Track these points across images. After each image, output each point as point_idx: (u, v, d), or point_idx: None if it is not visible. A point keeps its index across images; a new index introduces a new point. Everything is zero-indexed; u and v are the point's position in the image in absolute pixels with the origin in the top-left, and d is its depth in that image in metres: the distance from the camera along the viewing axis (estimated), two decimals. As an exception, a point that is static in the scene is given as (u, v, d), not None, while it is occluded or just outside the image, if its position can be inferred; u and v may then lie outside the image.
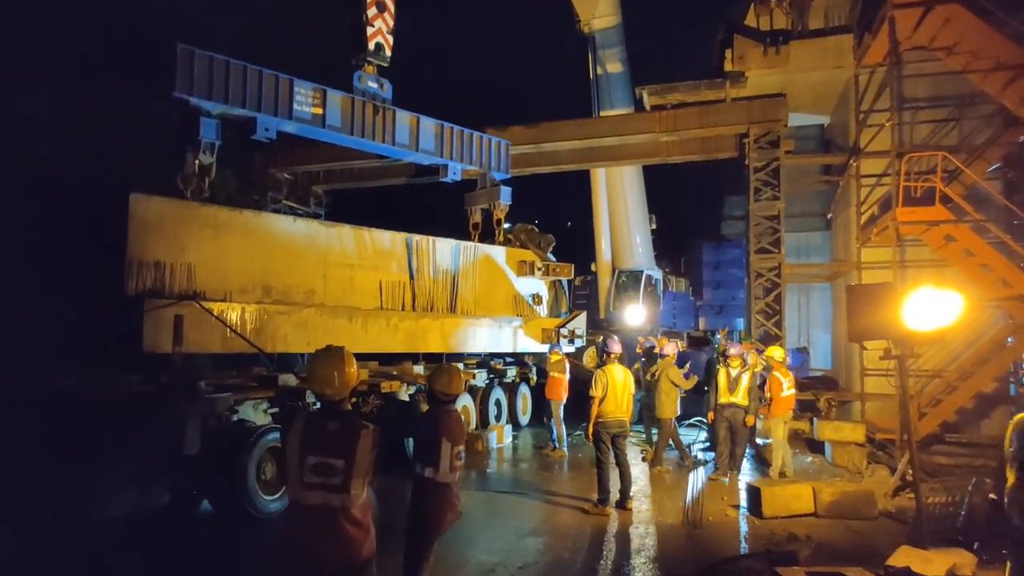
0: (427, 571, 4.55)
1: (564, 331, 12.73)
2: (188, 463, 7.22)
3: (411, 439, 7.91)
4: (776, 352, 10.37)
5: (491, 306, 12.55)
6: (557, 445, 11.65)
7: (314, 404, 8.65)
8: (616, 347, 8.49)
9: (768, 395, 10.01)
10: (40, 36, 13.68)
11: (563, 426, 11.74)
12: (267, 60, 11.03)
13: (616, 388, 8.09)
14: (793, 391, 10.15)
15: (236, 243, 9.25)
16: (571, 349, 13.51)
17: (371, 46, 11.20)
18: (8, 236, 11.84)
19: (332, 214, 18.04)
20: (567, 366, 11.88)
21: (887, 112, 12.03)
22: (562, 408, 11.77)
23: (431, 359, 13.12)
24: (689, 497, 8.29)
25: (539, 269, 13.04)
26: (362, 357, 11.29)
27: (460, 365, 13.08)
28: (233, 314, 8.82)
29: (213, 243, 8.95)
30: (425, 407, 6.56)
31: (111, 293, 8.19)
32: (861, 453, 10.48)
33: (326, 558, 3.35)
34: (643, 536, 7.35)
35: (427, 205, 21.11)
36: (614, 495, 8.14)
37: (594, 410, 8.06)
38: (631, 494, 8.27)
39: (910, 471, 8.43)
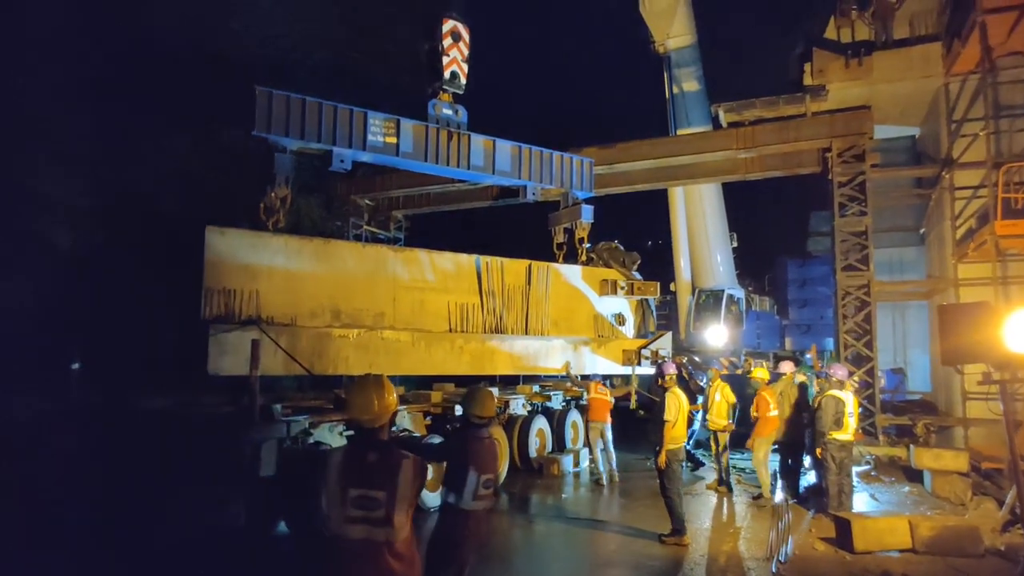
0: None
1: (646, 352, 12.48)
2: (265, 485, 7.42)
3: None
4: (760, 372, 10.34)
5: (570, 327, 12.46)
6: (606, 474, 11.24)
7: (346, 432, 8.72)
8: (672, 369, 8.36)
9: (755, 414, 9.94)
10: (128, 74, 14.78)
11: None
12: (346, 91, 11.50)
13: (683, 413, 8.02)
14: (777, 412, 9.84)
15: (305, 270, 9.79)
16: (651, 371, 13.29)
17: (447, 75, 11.49)
18: (108, 264, 12.90)
19: (413, 238, 18.53)
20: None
21: (981, 121, 11.42)
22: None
23: (507, 381, 13.26)
24: (773, 530, 7.97)
25: (622, 288, 12.83)
26: (434, 379, 11.54)
27: (535, 387, 13.13)
28: (296, 338, 9.23)
29: (283, 270, 9.54)
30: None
31: (191, 319, 8.81)
32: (964, 483, 9.81)
33: None
34: (724, 571, 7.12)
35: (514, 227, 21.38)
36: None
37: (667, 435, 7.88)
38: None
39: (1020, 505, 7.87)
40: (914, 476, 10.86)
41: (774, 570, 6.94)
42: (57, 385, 11.60)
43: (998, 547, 7.54)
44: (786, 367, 10.43)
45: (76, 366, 13.54)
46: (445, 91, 11.67)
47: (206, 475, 7.15)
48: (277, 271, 9.49)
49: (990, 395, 10.59)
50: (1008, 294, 11.22)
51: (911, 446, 11.12)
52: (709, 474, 11.55)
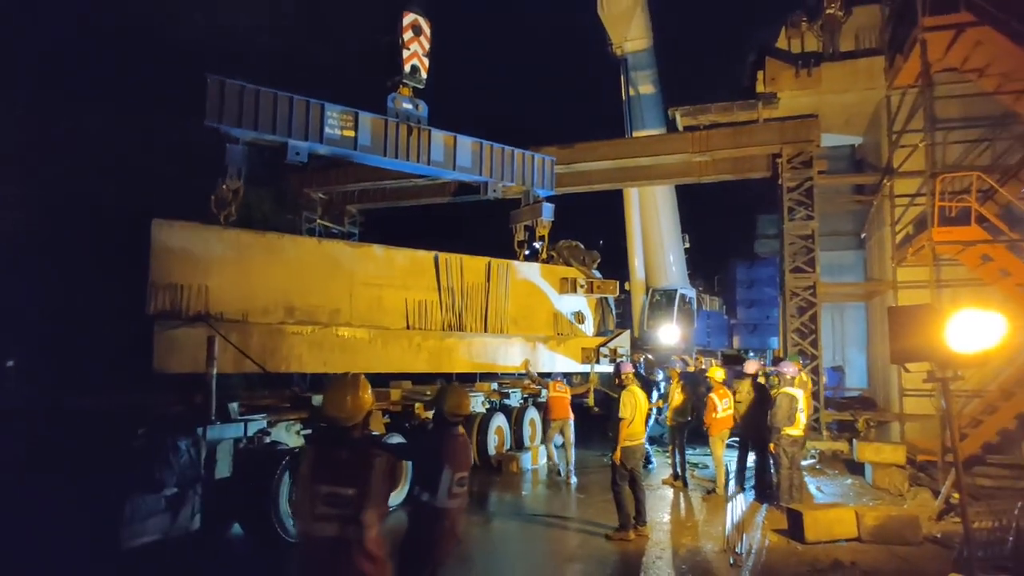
0: None
1: (605, 350, 12.66)
2: (219, 486, 7.24)
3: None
4: (717, 373, 10.60)
5: (530, 324, 12.55)
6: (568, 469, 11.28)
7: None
8: (629, 368, 8.57)
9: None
10: (76, 62, 14.20)
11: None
12: (305, 82, 11.26)
13: (640, 410, 8.18)
14: (730, 412, 10.27)
15: (258, 265, 9.56)
16: (609, 368, 13.46)
17: (407, 68, 11.39)
18: (48, 260, 12.37)
19: (367, 233, 18.32)
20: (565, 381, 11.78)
21: (919, 133, 12.03)
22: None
23: (464, 378, 13.27)
24: (729, 522, 8.27)
25: (582, 286, 12.95)
26: (392, 377, 11.45)
27: (493, 384, 13.18)
28: (247, 335, 9.02)
29: (235, 265, 9.29)
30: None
31: (137, 314, 8.53)
32: (902, 475, 10.37)
33: None
34: (684, 562, 7.34)
35: (474, 224, 21.36)
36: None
37: (623, 433, 8.02)
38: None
39: (954, 494, 8.37)
40: (855, 469, 11.39)
41: (732, 562, 7.20)
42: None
43: (935, 535, 8.02)
44: (751, 367, 10.69)
45: (11, 363, 12.93)
46: (405, 85, 11.57)
47: (156, 477, 6.82)
48: (228, 266, 9.25)
49: (930, 392, 11.20)
50: (942, 296, 11.85)
51: (853, 440, 11.67)
52: (664, 469, 11.84)
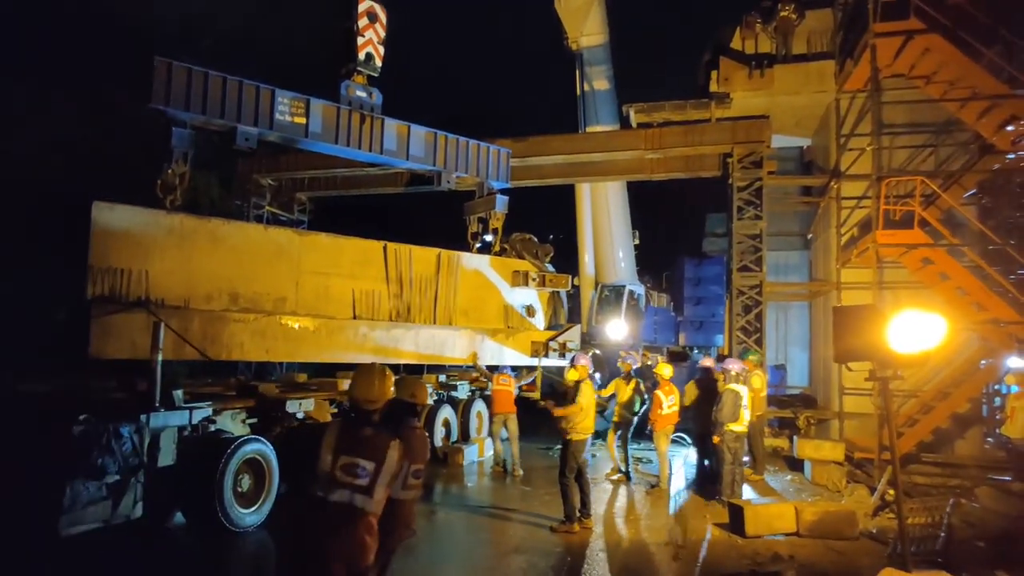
0: None
1: (554, 344, 12.61)
2: (163, 474, 7.16)
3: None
4: (665, 370, 10.81)
5: (480, 317, 12.39)
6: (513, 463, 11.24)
7: (296, 415, 8.93)
8: (584, 360, 8.56)
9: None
10: (17, 36, 13.48)
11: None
12: (258, 67, 10.91)
13: (592, 404, 8.22)
14: (676, 408, 10.43)
15: (202, 251, 9.29)
16: (563, 362, 13.37)
17: (361, 56, 11.16)
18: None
19: (317, 222, 17.89)
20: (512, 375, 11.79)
21: (867, 136, 12.28)
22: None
23: (411, 370, 13.07)
24: (672, 515, 8.32)
25: (534, 279, 12.82)
26: (338, 367, 11.25)
27: (441, 376, 13.02)
28: (188, 321, 8.79)
29: (177, 251, 9.01)
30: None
31: (76, 298, 8.21)
32: (840, 472, 10.61)
33: (338, 558, 3.58)
34: (628, 555, 7.36)
35: (426, 215, 21.08)
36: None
37: (577, 418, 8.05)
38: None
39: (890, 491, 8.59)
40: (795, 465, 11.63)
41: (673, 554, 7.24)
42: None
43: (870, 530, 8.20)
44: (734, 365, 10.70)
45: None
46: (359, 73, 11.32)
47: (98, 464, 6.68)
48: (171, 251, 8.93)
49: (867, 391, 11.46)
50: (883, 298, 12.18)
51: (794, 437, 11.89)
52: (608, 463, 11.86)
